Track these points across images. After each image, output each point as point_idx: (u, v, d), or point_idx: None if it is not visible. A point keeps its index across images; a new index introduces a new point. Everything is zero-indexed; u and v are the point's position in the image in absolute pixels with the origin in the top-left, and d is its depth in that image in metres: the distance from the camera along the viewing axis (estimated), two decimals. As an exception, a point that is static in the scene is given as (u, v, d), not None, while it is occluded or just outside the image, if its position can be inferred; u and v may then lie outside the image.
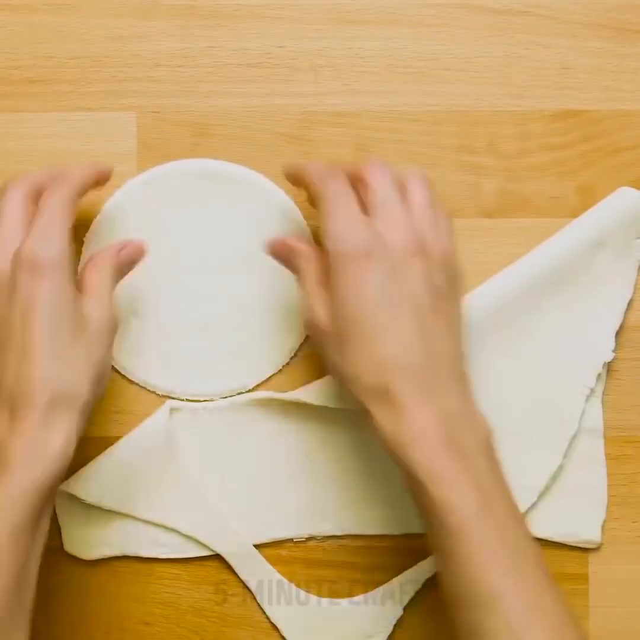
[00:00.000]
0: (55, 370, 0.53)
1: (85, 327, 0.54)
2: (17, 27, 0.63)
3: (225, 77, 0.63)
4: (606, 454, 0.63)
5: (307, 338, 0.63)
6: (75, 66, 0.63)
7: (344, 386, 0.55)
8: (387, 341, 0.53)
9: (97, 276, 0.56)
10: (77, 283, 0.55)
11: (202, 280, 0.63)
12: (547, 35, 0.63)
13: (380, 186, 0.56)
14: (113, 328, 0.56)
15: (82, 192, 0.57)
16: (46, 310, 0.53)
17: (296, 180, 0.59)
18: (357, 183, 0.56)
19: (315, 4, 0.63)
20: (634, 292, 0.63)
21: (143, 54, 0.63)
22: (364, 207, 0.55)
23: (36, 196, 0.56)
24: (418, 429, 0.52)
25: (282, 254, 0.59)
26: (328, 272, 0.55)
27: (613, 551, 0.63)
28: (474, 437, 0.53)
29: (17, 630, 0.51)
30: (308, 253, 0.57)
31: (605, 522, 0.63)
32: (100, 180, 0.59)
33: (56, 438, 0.52)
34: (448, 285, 0.55)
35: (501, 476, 0.53)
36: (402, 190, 0.56)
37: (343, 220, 0.54)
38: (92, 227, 0.62)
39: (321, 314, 0.55)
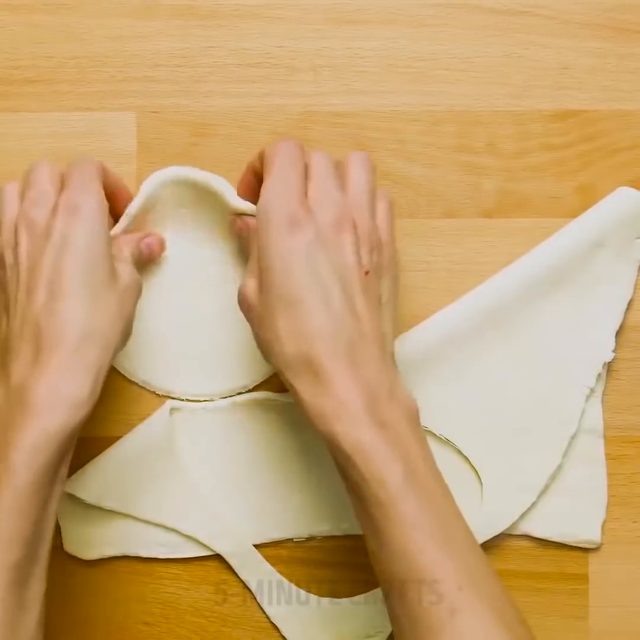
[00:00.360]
0: (87, 311, 0.51)
1: (117, 280, 0.54)
2: (17, 27, 0.63)
3: (224, 77, 0.63)
4: (606, 454, 0.63)
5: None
6: (75, 66, 0.63)
7: (270, 362, 0.54)
8: (310, 311, 0.52)
9: (119, 251, 0.56)
10: None
11: (201, 280, 0.63)
12: (547, 35, 0.63)
13: (316, 166, 0.55)
14: (140, 289, 0.56)
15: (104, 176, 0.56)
16: (81, 250, 0.52)
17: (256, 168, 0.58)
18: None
19: (315, 4, 0.63)
20: (634, 292, 0.63)
21: (142, 54, 0.63)
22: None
23: (61, 175, 0.55)
24: (342, 400, 0.51)
25: (242, 232, 0.59)
26: None
27: (613, 551, 0.63)
28: (398, 409, 0.52)
29: (34, 580, 0.50)
30: None
31: (605, 522, 0.63)
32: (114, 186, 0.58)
33: (83, 382, 0.50)
34: (379, 265, 0.55)
35: (427, 449, 0.52)
36: (343, 173, 0.56)
37: (277, 189, 0.53)
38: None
39: (251, 288, 0.54)
